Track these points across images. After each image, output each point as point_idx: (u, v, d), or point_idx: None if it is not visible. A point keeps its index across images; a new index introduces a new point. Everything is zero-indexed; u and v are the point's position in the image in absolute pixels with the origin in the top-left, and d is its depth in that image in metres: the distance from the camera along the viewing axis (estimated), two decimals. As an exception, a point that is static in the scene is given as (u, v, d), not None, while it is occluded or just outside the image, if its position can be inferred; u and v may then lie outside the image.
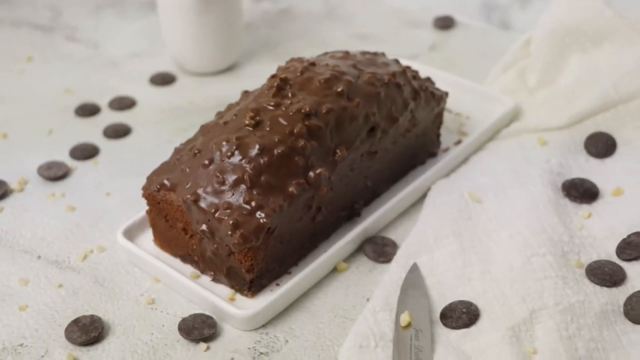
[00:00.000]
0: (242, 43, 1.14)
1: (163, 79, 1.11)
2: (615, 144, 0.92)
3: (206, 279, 0.77)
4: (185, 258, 0.78)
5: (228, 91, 1.08)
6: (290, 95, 0.77)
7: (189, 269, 0.78)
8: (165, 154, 0.95)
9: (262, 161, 0.72)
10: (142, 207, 0.86)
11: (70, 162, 0.95)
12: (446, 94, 0.90)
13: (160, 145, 0.98)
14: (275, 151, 0.73)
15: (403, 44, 1.19)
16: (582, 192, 0.85)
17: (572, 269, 0.76)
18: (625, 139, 0.92)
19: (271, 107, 0.76)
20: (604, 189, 0.87)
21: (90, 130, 1.02)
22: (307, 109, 0.75)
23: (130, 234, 0.81)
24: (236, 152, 0.73)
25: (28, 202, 0.89)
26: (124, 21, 1.27)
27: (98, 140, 1.00)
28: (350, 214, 0.82)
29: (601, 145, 0.92)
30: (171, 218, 0.77)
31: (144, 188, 0.78)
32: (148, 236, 0.82)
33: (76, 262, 0.81)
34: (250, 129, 0.75)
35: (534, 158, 0.91)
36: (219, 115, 0.82)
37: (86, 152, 0.97)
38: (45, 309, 0.76)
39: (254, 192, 0.72)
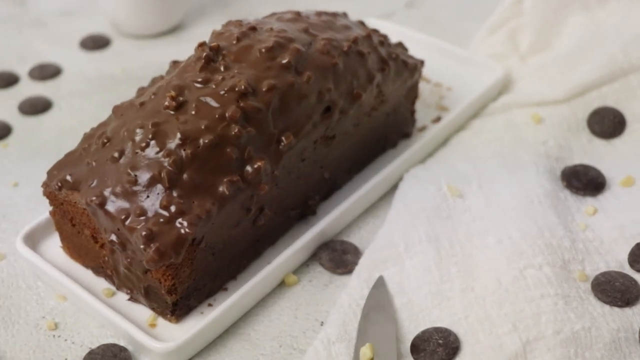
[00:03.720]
0: (187, 0, 0.98)
1: (95, 43, 0.95)
2: (624, 121, 0.77)
3: (123, 297, 0.62)
4: (98, 270, 0.63)
5: (172, 57, 0.91)
6: (222, 68, 0.61)
7: (102, 283, 0.63)
8: (89, 134, 0.81)
9: (184, 154, 0.57)
10: (54, 203, 0.71)
11: (-26, 145, 0.80)
12: (421, 62, 0.74)
13: (83, 122, 0.83)
14: (202, 141, 0.57)
15: (375, 1, 1.03)
16: (585, 182, 0.71)
17: (574, 283, 0.61)
18: (636, 115, 0.77)
19: (198, 85, 0.60)
20: (611, 178, 0.72)
21: (5, 105, 0.86)
22: (243, 87, 0.59)
23: (35, 238, 0.66)
24: (152, 143, 0.58)
25: None
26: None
27: (12, 116, 0.84)
28: (303, 212, 0.68)
29: (607, 123, 0.77)
30: (78, 222, 0.62)
31: (44, 185, 0.62)
32: (56, 241, 0.67)
33: (-34, 274, 0.66)
34: (172, 112, 0.59)
35: (527, 139, 0.76)
36: (140, 91, 0.66)
37: (-6, 132, 0.82)
38: None
39: (174, 195, 0.56)
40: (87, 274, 0.64)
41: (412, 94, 0.75)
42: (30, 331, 0.61)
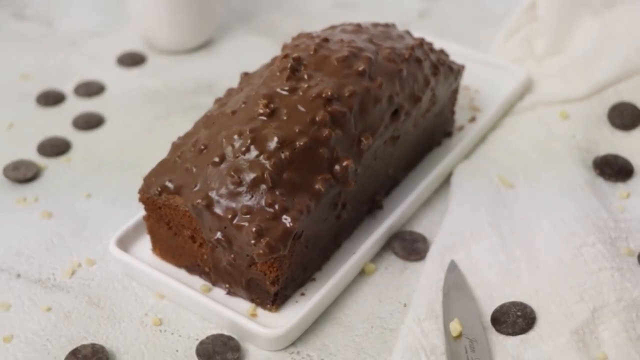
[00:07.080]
0: (218, 15, 1.03)
1: (132, 60, 1.00)
2: (641, 114, 0.85)
3: (219, 292, 0.67)
4: (193, 269, 0.69)
5: (207, 70, 0.98)
6: (306, 77, 0.67)
7: (197, 281, 0.69)
8: (148, 145, 0.86)
9: (283, 156, 0.63)
10: (130, 209, 0.76)
11: (39, 160, 0.84)
12: (463, 67, 0.81)
13: (139, 135, 0.88)
14: (297, 143, 0.63)
15: (389, 12, 1.10)
16: (617, 169, 0.78)
17: (624, 258, 0.69)
18: (651, 109, 0.86)
19: (286, 92, 0.66)
20: (637, 165, 0.80)
21: (58, 122, 0.90)
22: (330, 93, 0.65)
23: (124, 242, 0.71)
24: (252, 147, 0.63)
25: (-4, 210, 0.78)
26: (78, -6, 1.15)
27: (68, 132, 0.88)
28: (372, 206, 0.74)
29: (626, 117, 0.85)
30: (175, 225, 0.67)
31: (142, 191, 0.67)
32: (144, 244, 0.72)
33: (63, 280, 0.71)
34: (265, 118, 0.65)
35: (558, 134, 0.83)
36: (219, 102, 0.72)
37: (56, 148, 0.85)
38: (35, 339, 0.65)
39: (277, 193, 0.62)
40: (181, 273, 0.69)
41: (454, 96, 0.82)
42: (137, 328, 0.66)
